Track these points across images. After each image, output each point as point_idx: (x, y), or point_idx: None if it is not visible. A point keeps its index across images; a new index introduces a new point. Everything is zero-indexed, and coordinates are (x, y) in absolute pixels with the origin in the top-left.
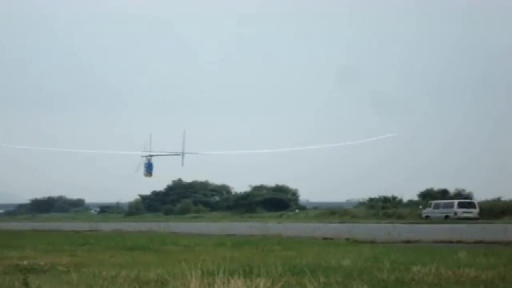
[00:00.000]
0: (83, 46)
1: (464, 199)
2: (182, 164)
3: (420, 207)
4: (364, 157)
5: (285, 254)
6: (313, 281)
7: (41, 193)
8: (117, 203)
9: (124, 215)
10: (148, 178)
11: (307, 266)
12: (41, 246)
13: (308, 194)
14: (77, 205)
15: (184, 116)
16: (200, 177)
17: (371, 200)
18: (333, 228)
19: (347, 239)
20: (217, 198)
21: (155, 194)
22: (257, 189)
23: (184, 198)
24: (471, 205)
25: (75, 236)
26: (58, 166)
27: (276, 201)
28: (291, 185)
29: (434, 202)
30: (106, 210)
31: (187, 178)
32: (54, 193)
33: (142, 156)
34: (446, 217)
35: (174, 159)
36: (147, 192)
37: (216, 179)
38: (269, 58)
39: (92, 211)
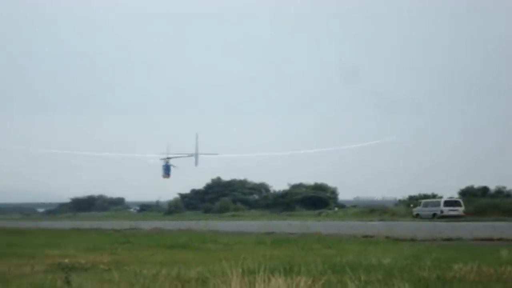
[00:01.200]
0: (119, 49)
1: (450, 198)
2: (196, 164)
3: (411, 205)
4: (403, 155)
5: (325, 252)
6: (354, 279)
7: (82, 192)
8: (157, 202)
9: (164, 213)
10: (166, 179)
11: (347, 264)
12: (82, 244)
13: (347, 192)
14: (117, 203)
15: (216, 117)
16: (239, 176)
17: (410, 198)
18: (373, 226)
19: (387, 237)
20: (256, 196)
21: (194, 192)
22: (296, 187)
23: (223, 197)
24: (457, 203)
25: (116, 235)
26: (98, 166)
27: (315, 199)
28: (330, 183)
29: (423, 201)
30: (145, 208)
31: (226, 177)
32: (94, 192)
33: (161, 159)
34: (434, 215)
35: (211, 159)
36: (186, 190)
37: (255, 178)
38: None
39: (132, 210)
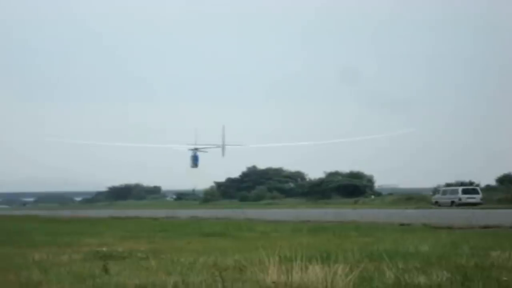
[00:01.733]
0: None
1: (468, 186)
2: (223, 155)
3: (431, 193)
4: (441, 143)
5: (362, 240)
6: (391, 267)
7: (119, 181)
8: (193, 190)
9: (200, 202)
10: (194, 169)
11: (384, 252)
12: (119, 233)
13: (383, 180)
14: (154, 192)
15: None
16: (274, 164)
17: (447, 185)
18: (410, 214)
19: (424, 225)
20: (291, 184)
21: (230, 181)
22: (332, 175)
23: (259, 185)
24: (474, 191)
25: (152, 223)
26: (134, 154)
27: (351, 187)
28: (366, 171)
29: (443, 188)
30: (182, 197)
31: (261, 165)
32: (131, 180)
33: (189, 150)
34: (452, 202)
35: (244, 149)
36: (222, 179)
37: (290, 166)
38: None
39: (168, 198)
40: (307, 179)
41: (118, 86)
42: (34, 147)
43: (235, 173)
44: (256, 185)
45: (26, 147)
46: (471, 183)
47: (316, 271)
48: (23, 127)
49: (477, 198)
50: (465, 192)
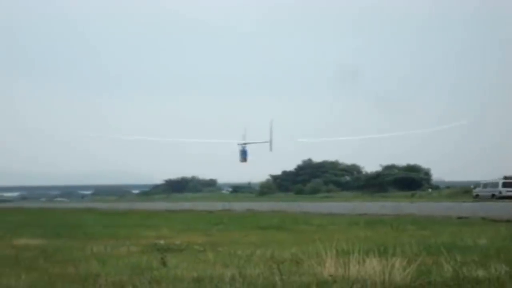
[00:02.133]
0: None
1: (508, 179)
2: (271, 149)
3: (472, 186)
4: (499, 136)
5: (419, 233)
6: (449, 260)
7: (175, 174)
8: (249, 183)
9: (256, 195)
10: (244, 163)
11: (442, 245)
12: (176, 225)
13: (441, 173)
14: (210, 185)
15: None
16: (330, 157)
17: (505, 178)
18: (467, 207)
19: (482, 218)
20: (347, 178)
21: (286, 174)
22: (388, 168)
23: (315, 178)
24: None
25: (209, 216)
26: (190, 148)
27: (408, 180)
28: (424, 164)
29: (483, 182)
30: (238, 190)
31: (317, 158)
32: (188, 173)
33: (238, 144)
34: (492, 195)
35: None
36: (278, 172)
37: (346, 159)
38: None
39: (224, 191)
40: (363, 173)
41: (174, 82)
42: (93, 142)
43: (290, 167)
44: (312, 178)
45: (85, 142)
46: None
47: (373, 264)
48: (84, 123)
49: None
50: (505, 185)
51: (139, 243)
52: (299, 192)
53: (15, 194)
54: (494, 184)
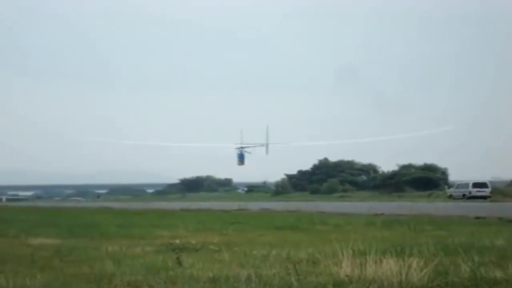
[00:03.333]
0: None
1: (478, 180)
2: (267, 153)
3: (446, 187)
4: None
5: (437, 233)
6: (467, 260)
7: (190, 173)
8: (264, 183)
9: (271, 194)
10: (241, 166)
11: (460, 246)
12: (191, 225)
13: (458, 173)
14: (225, 184)
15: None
16: (346, 157)
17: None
18: (485, 207)
19: (499, 218)
20: (364, 177)
21: (301, 173)
22: (405, 168)
23: (331, 178)
24: (484, 185)
25: (224, 215)
26: (203, 148)
27: (425, 180)
28: (440, 164)
29: (456, 183)
30: (253, 189)
31: (333, 158)
32: (202, 173)
33: (236, 148)
34: (463, 195)
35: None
36: (293, 171)
37: (362, 159)
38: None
39: (239, 191)
40: (380, 172)
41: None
42: (106, 144)
43: (305, 166)
44: (328, 178)
45: (98, 143)
46: None
47: (390, 264)
48: (96, 125)
49: (486, 191)
50: (475, 186)
51: (154, 242)
52: (315, 191)
53: (30, 193)
54: (465, 185)
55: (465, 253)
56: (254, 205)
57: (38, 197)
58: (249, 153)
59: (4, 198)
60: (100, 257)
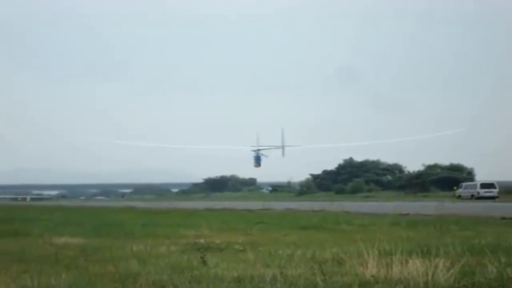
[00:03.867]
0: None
1: (486, 181)
2: (283, 155)
3: (455, 188)
4: None
5: (463, 234)
6: (493, 261)
7: (214, 173)
8: (288, 182)
9: (295, 194)
10: (257, 168)
11: (486, 246)
12: (216, 224)
13: (485, 173)
14: (249, 184)
15: None
16: (372, 157)
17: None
18: (511, 208)
19: None
20: (389, 177)
21: (326, 173)
22: (431, 168)
23: (356, 177)
24: (492, 186)
25: (249, 215)
26: (229, 147)
27: (451, 180)
28: (467, 164)
29: (464, 184)
30: (277, 189)
31: (358, 158)
32: (226, 172)
33: (252, 151)
34: (472, 196)
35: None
36: (318, 171)
37: (388, 159)
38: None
39: (263, 190)
40: (405, 172)
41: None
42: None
43: (330, 166)
44: (353, 178)
45: (123, 145)
46: None
47: (416, 265)
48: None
49: (494, 192)
50: (483, 186)
51: (179, 242)
52: (340, 191)
53: (55, 192)
54: (473, 186)
55: (491, 253)
56: (278, 205)
57: (62, 197)
58: (266, 156)
59: (28, 197)
60: (125, 257)
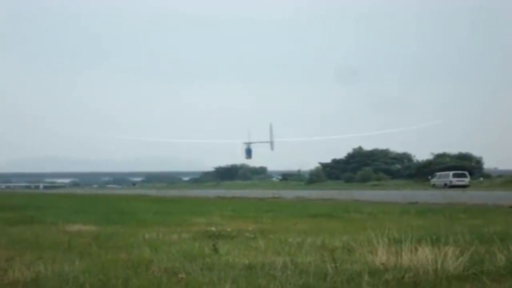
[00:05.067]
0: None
1: (458, 171)
2: (272, 149)
3: (429, 177)
4: None
5: (472, 222)
6: (502, 249)
7: (225, 161)
8: (298, 171)
9: (305, 182)
10: (248, 160)
11: (495, 235)
12: (227, 212)
13: (495, 162)
14: (260, 172)
15: None
16: (381, 145)
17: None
18: None
19: None
20: (398, 166)
21: (336, 162)
22: (440, 157)
23: (365, 166)
24: (463, 175)
25: (259, 203)
26: (239, 135)
27: (459, 169)
28: (476, 153)
29: (438, 173)
30: (287, 177)
31: (368, 147)
32: (237, 161)
33: (244, 143)
34: (445, 185)
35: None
36: (327, 160)
37: (397, 148)
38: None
39: (274, 179)
40: (414, 161)
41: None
42: (143, 130)
43: (339, 155)
44: (362, 166)
45: (136, 130)
46: None
47: (426, 253)
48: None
49: (465, 181)
50: (455, 176)
51: (190, 230)
52: (349, 180)
53: (67, 180)
54: (446, 175)
55: (500, 242)
56: (288, 193)
57: (75, 185)
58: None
59: (41, 185)
60: (138, 244)
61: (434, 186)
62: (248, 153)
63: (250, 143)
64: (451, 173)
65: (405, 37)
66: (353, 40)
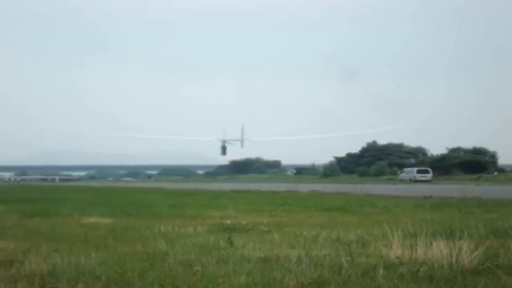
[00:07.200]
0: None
1: (421, 167)
2: (242, 146)
3: (398, 172)
4: None
5: (486, 216)
6: None
7: (240, 155)
8: (313, 165)
9: (319, 176)
10: (223, 156)
11: (510, 229)
12: (241, 206)
13: (510, 157)
14: (274, 166)
15: None
16: (395, 140)
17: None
18: None
19: None
20: (412, 160)
21: (350, 156)
22: (454, 151)
23: (379, 160)
24: (426, 171)
25: (274, 197)
26: (256, 129)
27: (474, 163)
28: (490, 147)
29: (405, 169)
30: (302, 171)
31: (382, 141)
32: (252, 154)
33: (220, 141)
34: (410, 180)
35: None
36: (342, 154)
37: (411, 142)
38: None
39: (288, 173)
40: (429, 155)
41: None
42: (158, 125)
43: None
44: (376, 161)
45: (151, 125)
46: None
47: (440, 247)
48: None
49: (428, 176)
50: (419, 172)
51: (205, 223)
52: (363, 174)
53: (83, 173)
54: (411, 171)
55: None
56: (302, 187)
57: (91, 177)
58: (232, 144)
59: (57, 178)
60: (153, 236)
61: (401, 181)
62: (223, 150)
63: (225, 141)
64: (415, 169)
65: (412, 35)
66: (358, 41)
